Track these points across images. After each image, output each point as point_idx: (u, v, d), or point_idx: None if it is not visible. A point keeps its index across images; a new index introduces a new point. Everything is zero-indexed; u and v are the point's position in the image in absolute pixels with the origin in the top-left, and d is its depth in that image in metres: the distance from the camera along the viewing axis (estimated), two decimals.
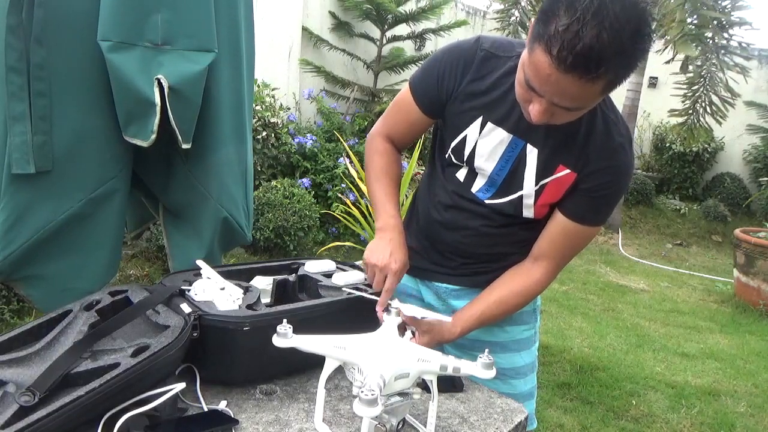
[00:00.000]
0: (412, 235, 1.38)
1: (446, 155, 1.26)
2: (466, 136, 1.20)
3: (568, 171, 1.14)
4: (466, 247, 1.30)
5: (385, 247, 1.20)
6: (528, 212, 1.21)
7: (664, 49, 6.10)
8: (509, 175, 1.19)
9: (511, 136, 1.16)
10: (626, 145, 1.14)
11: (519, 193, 1.19)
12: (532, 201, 1.19)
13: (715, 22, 5.73)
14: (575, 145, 1.13)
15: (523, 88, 1.01)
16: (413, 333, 1.14)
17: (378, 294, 1.20)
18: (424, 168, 1.42)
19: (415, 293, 1.41)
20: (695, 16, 5.79)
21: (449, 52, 1.20)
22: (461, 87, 1.18)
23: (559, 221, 1.19)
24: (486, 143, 1.18)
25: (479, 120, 1.18)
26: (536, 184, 1.17)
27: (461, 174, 1.26)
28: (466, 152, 1.21)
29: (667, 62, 6.17)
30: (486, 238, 1.27)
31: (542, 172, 1.16)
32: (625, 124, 1.16)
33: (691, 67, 6.03)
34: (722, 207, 7.71)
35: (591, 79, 0.91)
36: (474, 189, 1.24)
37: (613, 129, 1.13)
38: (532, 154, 1.15)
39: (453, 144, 1.23)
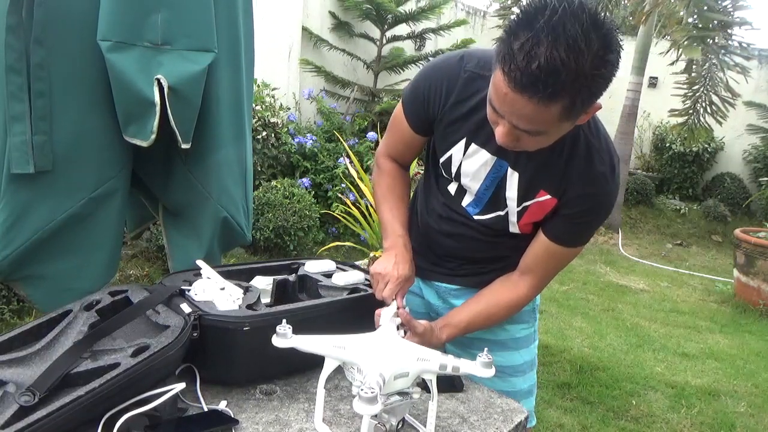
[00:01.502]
0: (412, 235, 1.38)
1: (438, 168, 1.27)
2: (451, 155, 1.21)
3: (548, 196, 1.14)
4: (462, 252, 1.32)
5: (390, 260, 1.21)
6: (513, 229, 1.22)
7: (667, 51, 6.10)
8: (494, 195, 1.20)
9: (495, 158, 1.16)
10: (608, 174, 1.12)
11: (504, 211, 1.20)
12: (515, 220, 1.20)
13: (716, 22, 5.73)
14: (557, 171, 1.12)
15: (490, 109, 1.00)
16: (405, 332, 1.15)
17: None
18: (423, 168, 1.43)
19: (417, 291, 1.43)
20: (695, 17, 5.79)
21: (433, 71, 1.19)
22: (445, 108, 1.17)
23: (542, 241, 1.20)
24: (470, 164, 1.18)
25: (463, 141, 1.18)
26: (518, 206, 1.18)
27: (452, 188, 1.27)
28: (453, 170, 1.22)
29: (672, 63, 6.16)
30: (481, 244, 1.28)
31: (524, 195, 1.16)
32: (610, 152, 1.13)
33: (693, 67, 6.03)
34: (722, 207, 7.71)
35: (544, 101, 0.88)
36: (464, 203, 1.26)
37: (596, 157, 1.10)
38: (513, 177, 1.16)
39: (441, 160, 1.24)
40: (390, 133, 1.34)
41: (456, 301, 1.35)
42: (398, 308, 1.14)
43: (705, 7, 5.65)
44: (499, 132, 0.99)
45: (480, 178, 1.19)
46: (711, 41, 5.75)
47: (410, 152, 1.35)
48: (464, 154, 1.18)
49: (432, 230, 1.33)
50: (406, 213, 1.34)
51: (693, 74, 6.02)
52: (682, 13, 5.62)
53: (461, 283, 1.35)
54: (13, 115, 1.25)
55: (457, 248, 1.31)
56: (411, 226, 1.40)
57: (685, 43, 5.60)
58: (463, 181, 1.22)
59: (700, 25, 5.77)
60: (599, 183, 1.11)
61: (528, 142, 1.00)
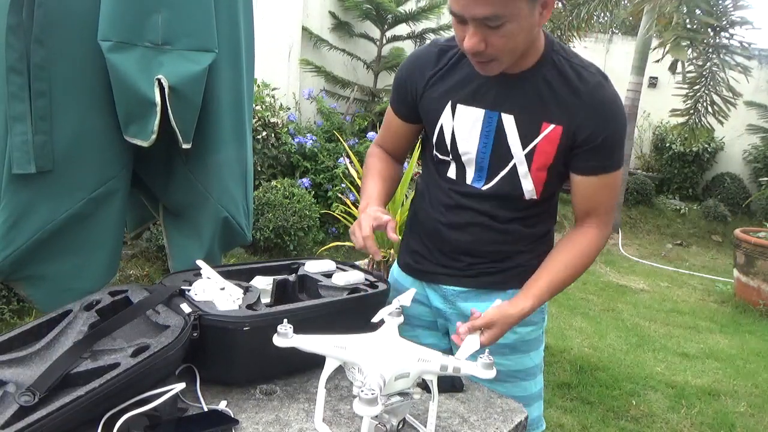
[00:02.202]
0: (415, 237, 1.37)
1: (433, 154, 1.28)
2: (442, 125, 1.23)
3: (553, 126, 1.15)
4: (471, 246, 1.28)
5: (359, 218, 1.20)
6: (527, 184, 1.20)
7: (655, 48, 6.10)
8: (494, 151, 1.20)
9: (484, 110, 1.18)
10: (603, 82, 1.15)
11: (511, 164, 1.19)
12: (526, 168, 1.19)
13: (710, 28, 5.72)
14: (552, 99, 1.14)
15: (454, 22, 1.06)
16: (481, 331, 1.11)
17: (382, 293, 1.22)
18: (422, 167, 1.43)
19: (423, 299, 1.38)
20: (689, 19, 5.79)
21: (408, 61, 1.30)
22: (424, 82, 1.24)
23: (582, 183, 1.20)
24: (462, 125, 1.20)
25: (448, 105, 1.21)
26: (524, 148, 1.17)
27: (452, 171, 1.26)
28: (448, 141, 1.23)
29: (657, 61, 6.16)
30: (491, 234, 1.26)
31: (527, 135, 1.16)
32: (594, 66, 1.18)
33: (692, 67, 6.02)
34: (722, 207, 7.71)
35: None
36: (468, 181, 1.25)
37: (584, 72, 1.15)
38: (509, 121, 1.17)
39: (434, 139, 1.25)
40: (382, 127, 1.41)
41: (464, 304, 1.31)
42: (392, 239, 1.12)
43: (697, 11, 5.65)
44: (467, 41, 1.04)
45: (475, 135, 1.20)
46: (704, 41, 5.74)
47: (400, 144, 1.39)
48: (453, 118, 1.21)
49: (439, 225, 1.30)
50: (384, 185, 1.32)
51: (693, 73, 6.01)
52: (674, 15, 5.61)
53: (469, 285, 1.31)
54: (14, 115, 1.25)
55: (464, 242, 1.28)
56: (413, 227, 1.40)
57: (672, 42, 5.59)
58: (460, 148, 1.22)
59: (689, 26, 5.76)
60: (599, 92, 1.14)
61: (496, 41, 1.03)
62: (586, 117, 1.13)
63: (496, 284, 1.28)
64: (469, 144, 1.21)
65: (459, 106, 1.20)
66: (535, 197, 1.22)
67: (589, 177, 1.18)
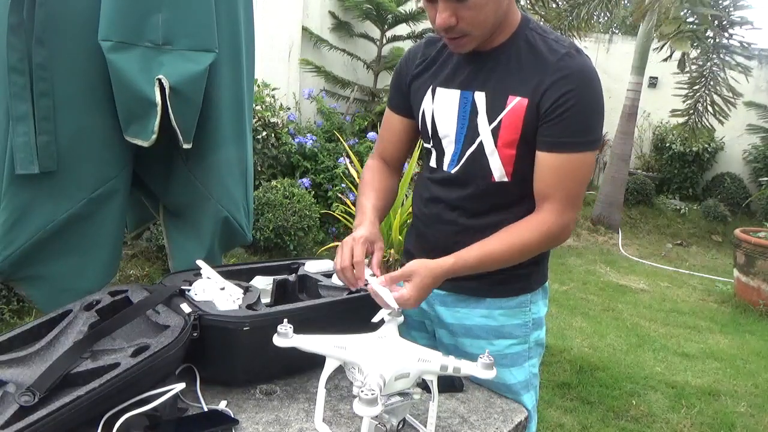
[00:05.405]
0: (409, 236, 1.39)
1: (423, 146, 1.31)
2: (423, 110, 1.25)
3: (518, 99, 1.13)
4: (442, 243, 1.25)
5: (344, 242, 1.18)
6: (494, 161, 1.17)
7: (661, 47, 6.09)
8: (468, 130, 1.19)
9: (459, 91, 1.19)
10: (573, 53, 1.11)
11: (478, 141, 1.17)
12: (492, 144, 1.16)
13: (716, 22, 5.72)
14: (519, 72, 1.13)
15: (426, 7, 1.10)
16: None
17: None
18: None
19: None
20: (690, 13, 5.77)
21: (402, 57, 1.35)
22: (412, 71, 1.29)
23: (540, 160, 1.14)
24: (440, 107, 1.22)
25: (429, 90, 1.24)
26: (490, 123, 1.16)
27: (434, 159, 1.28)
28: (429, 126, 1.25)
29: (665, 60, 6.15)
30: (462, 232, 1.22)
31: (493, 110, 1.15)
32: (565, 38, 1.17)
33: (693, 67, 6.01)
34: (722, 207, 7.71)
35: None
36: (445, 166, 1.24)
37: (555, 45, 1.13)
38: (480, 99, 1.17)
39: (420, 126, 1.28)
40: (380, 132, 1.42)
41: (441, 308, 1.30)
42: (375, 275, 1.10)
43: (699, 3, 5.63)
44: (438, 17, 1.07)
45: (453, 116, 1.20)
46: (710, 39, 5.72)
47: (396, 142, 1.38)
48: (433, 101, 1.23)
49: (418, 220, 1.33)
50: (380, 201, 1.31)
51: (694, 73, 5.99)
52: (672, 9, 5.59)
53: (444, 287, 1.22)
54: (17, 115, 1.25)
55: (438, 238, 1.26)
56: (411, 229, 1.40)
57: (675, 37, 5.57)
58: (440, 131, 1.22)
59: (691, 19, 5.74)
60: (567, 61, 1.10)
61: (466, 14, 1.06)
62: (549, 86, 1.10)
63: (472, 290, 1.24)
64: (447, 126, 1.21)
65: (438, 90, 1.22)
66: (506, 179, 1.18)
67: (546, 153, 1.12)
